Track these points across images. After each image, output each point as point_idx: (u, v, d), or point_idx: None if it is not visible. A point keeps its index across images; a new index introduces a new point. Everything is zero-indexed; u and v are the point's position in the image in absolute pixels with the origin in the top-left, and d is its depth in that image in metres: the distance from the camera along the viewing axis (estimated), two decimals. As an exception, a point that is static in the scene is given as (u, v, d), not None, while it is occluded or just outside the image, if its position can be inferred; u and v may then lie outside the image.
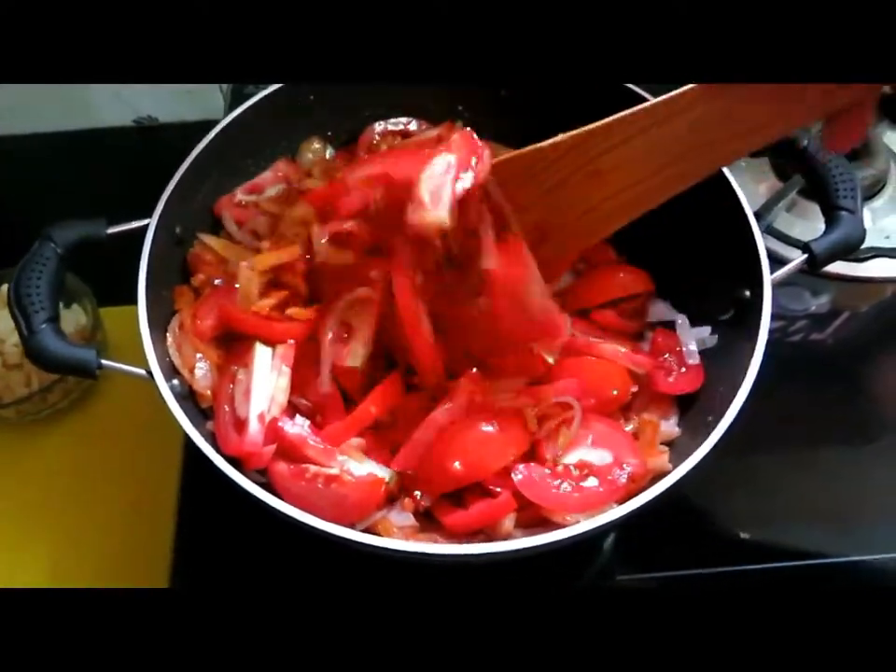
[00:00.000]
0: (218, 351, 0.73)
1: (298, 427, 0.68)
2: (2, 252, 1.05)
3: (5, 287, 0.96)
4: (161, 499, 0.85)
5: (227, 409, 0.67)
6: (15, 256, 0.96)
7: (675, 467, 0.62)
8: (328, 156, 0.90)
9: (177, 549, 0.81)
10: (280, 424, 0.67)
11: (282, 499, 0.60)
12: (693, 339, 0.75)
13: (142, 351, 0.66)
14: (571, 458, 0.68)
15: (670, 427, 0.73)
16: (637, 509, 0.58)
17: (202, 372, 0.70)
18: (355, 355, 0.69)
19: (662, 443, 0.71)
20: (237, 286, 0.74)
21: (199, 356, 0.71)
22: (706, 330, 0.76)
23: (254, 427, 0.66)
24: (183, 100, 1.20)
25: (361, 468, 0.66)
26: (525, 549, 0.57)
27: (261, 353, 0.68)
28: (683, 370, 0.73)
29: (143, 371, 0.64)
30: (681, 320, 0.78)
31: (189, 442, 0.83)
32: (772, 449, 0.85)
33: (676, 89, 0.56)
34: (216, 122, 1.15)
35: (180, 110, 1.22)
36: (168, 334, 0.72)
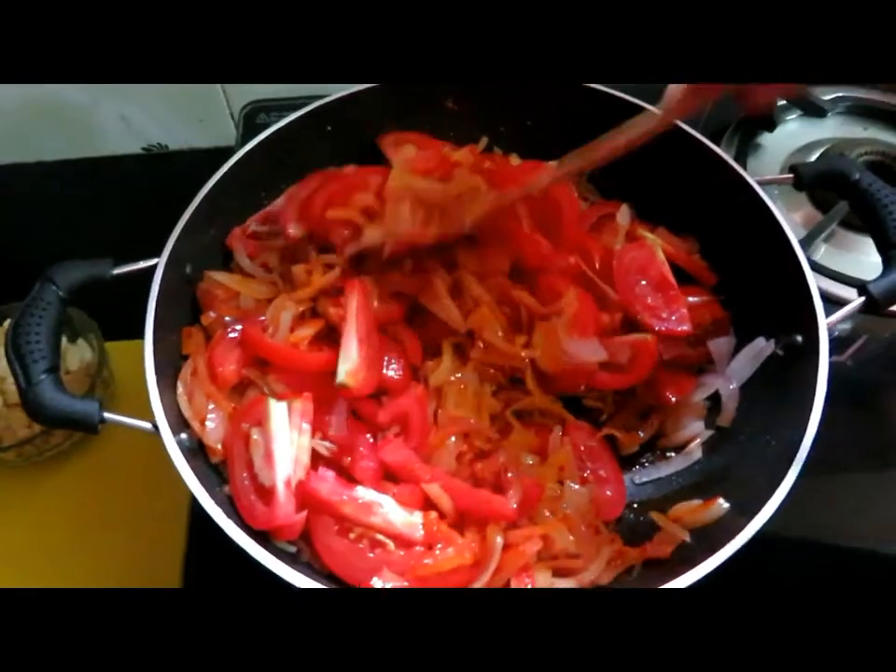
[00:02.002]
0: (233, 402, 0.69)
1: (327, 483, 0.63)
2: (5, 286, 1.02)
3: (7, 322, 0.92)
4: (167, 542, 0.80)
5: (245, 475, 0.62)
6: (19, 289, 0.94)
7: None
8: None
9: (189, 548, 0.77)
10: (311, 484, 0.62)
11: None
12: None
13: (148, 401, 0.61)
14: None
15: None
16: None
17: (213, 425, 0.65)
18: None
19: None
20: (263, 317, 0.71)
21: (211, 406, 0.66)
22: (760, 342, 0.72)
23: (283, 497, 0.60)
24: (193, 127, 1.17)
25: (403, 516, 0.63)
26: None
27: (277, 410, 0.63)
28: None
29: (148, 425, 0.59)
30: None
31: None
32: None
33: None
34: (226, 149, 1.15)
35: (190, 137, 1.19)
36: (179, 382, 0.67)
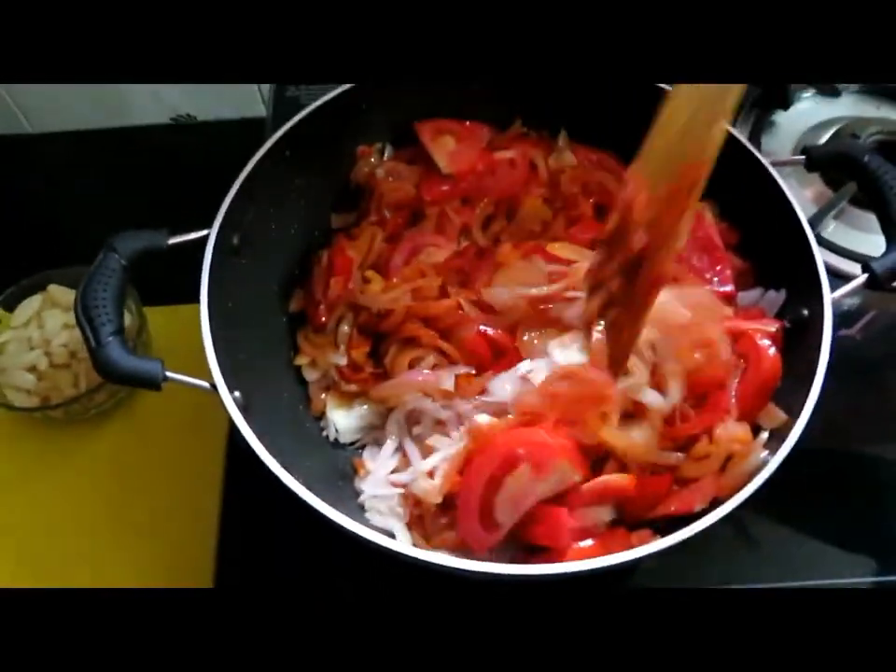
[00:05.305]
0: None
1: None
2: (42, 252, 1.07)
3: (52, 287, 0.97)
4: (205, 497, 0.86)
5: (476, 505, 0.67)
6: (55, 255, 0.99)
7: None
8: (386, 157, 0.90)
9: (221, 548, 0.82)
10: None
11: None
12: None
13: (205, 362, 0.66)
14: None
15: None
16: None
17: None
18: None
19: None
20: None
21: None
22: (771, 293, 0.76)
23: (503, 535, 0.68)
24: (221, 98, 1.20)
25: None
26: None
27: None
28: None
29: (206, 384, 0.64)
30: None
31: (232, 442, 0.86)
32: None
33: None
34: (254, 121, 1.18)
35: (218, 108, 1.21)
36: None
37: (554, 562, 0.60)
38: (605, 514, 0.69)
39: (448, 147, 0.85)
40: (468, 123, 0.88)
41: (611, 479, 0.68)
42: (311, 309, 0.86)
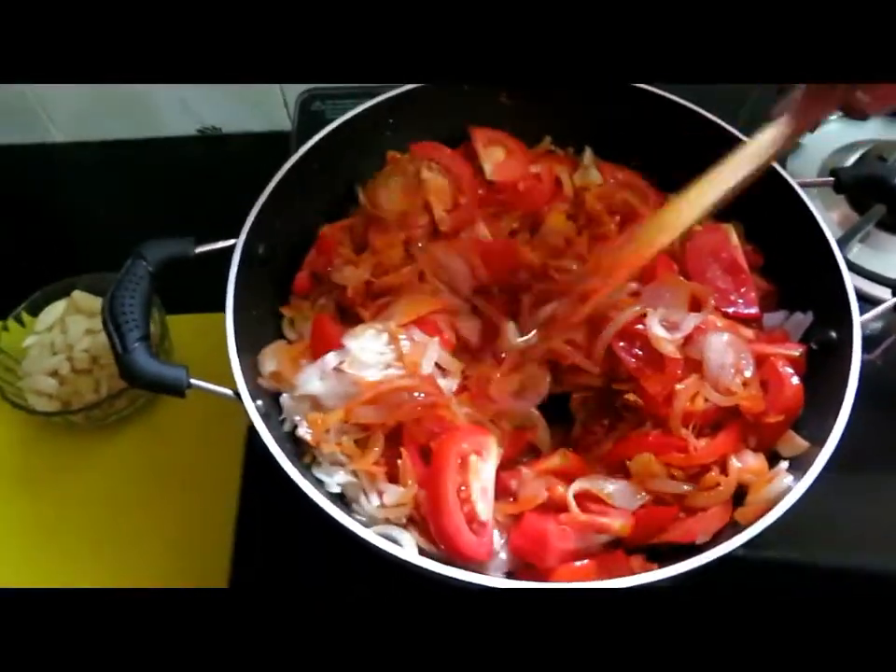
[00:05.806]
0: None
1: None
2: (67, 258, 1.09)
3: (76, 293, 0.98)
4: (222, 503, 0.87)
5: (456, 508, 0.65)
6: (79, 262, 1.00)
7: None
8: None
9: (237, 552, 0.82)
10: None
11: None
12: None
13: (229, 371, 0.66)
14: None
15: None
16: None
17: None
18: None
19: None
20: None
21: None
22: (798, 316, 0.76)
23: (496, 535, 0.67)
24: (247, 111, 1.21)
25: None
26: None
27: (492, 444, 0.69)
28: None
29: (230, 392, 0.65)
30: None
31: (250, 448, 0.87)
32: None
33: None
34: (279, 134, 1.19)
35: (244, 121, 1.23)
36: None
37: (543, 580, 0.59)
38: (601, 537, 0.68)
39: (497, 157, 0.86)
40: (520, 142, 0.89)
41: (608, 522, 0.67)
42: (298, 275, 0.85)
